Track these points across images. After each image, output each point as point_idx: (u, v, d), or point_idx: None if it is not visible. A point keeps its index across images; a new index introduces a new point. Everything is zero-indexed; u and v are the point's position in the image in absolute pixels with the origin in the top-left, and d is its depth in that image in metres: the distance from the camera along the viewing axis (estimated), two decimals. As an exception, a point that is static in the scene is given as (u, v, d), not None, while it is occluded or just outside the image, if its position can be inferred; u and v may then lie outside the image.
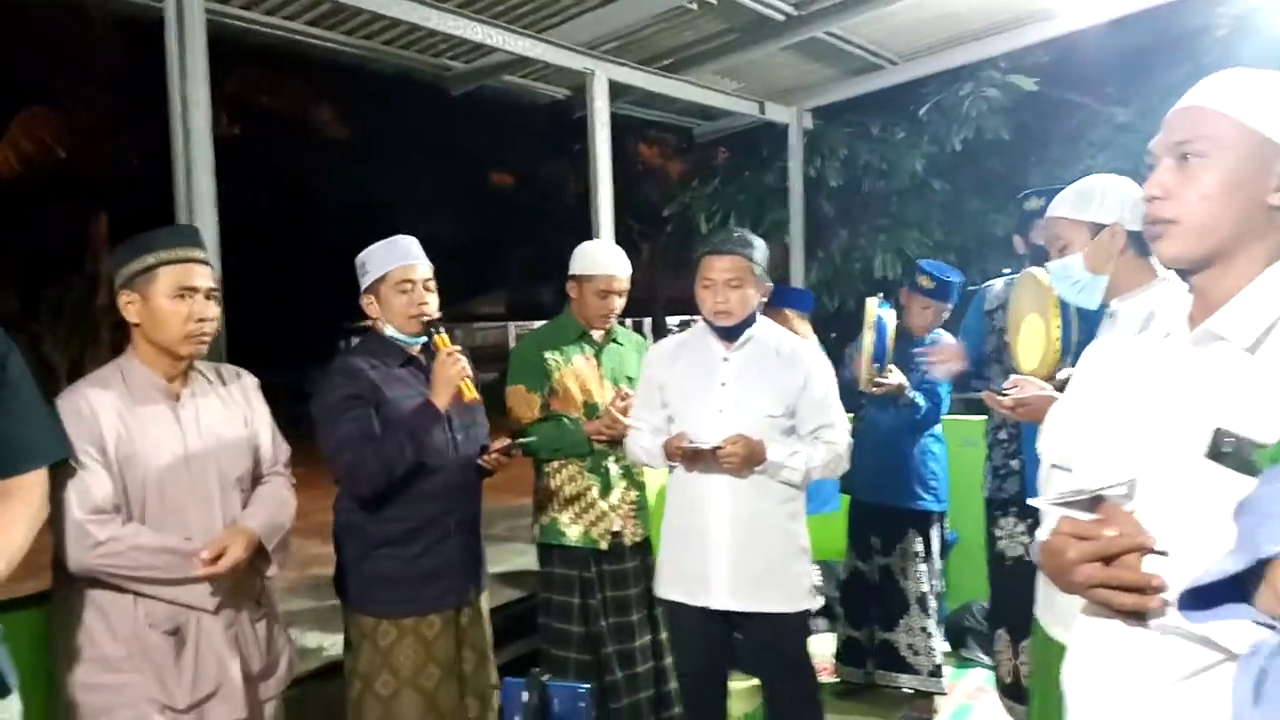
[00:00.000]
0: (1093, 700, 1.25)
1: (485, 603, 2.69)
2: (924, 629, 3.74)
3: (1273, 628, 0.80)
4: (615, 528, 3.13)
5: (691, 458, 2.58)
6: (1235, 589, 0.85)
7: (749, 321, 2.68)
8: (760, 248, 2.66)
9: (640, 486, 3.24)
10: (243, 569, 2.06)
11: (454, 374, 2.39)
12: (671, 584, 2.75)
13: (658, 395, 2.77)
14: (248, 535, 2.06)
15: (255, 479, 2.23)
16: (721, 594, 2.64)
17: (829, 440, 2.67)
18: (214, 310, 2.11)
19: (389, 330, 2.54)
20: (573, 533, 3.11)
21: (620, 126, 4.32)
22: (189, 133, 2.56)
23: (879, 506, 3.77)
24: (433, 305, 2.52)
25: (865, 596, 3.86)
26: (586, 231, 3.97)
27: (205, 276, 2.11)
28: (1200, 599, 0.87)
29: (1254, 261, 1.18)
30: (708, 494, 2.64)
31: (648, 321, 20.36)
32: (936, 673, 3.75)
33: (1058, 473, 2.13)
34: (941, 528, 3.86)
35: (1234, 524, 0.91)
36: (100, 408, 1.98)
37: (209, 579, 2.01)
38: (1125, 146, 7.20)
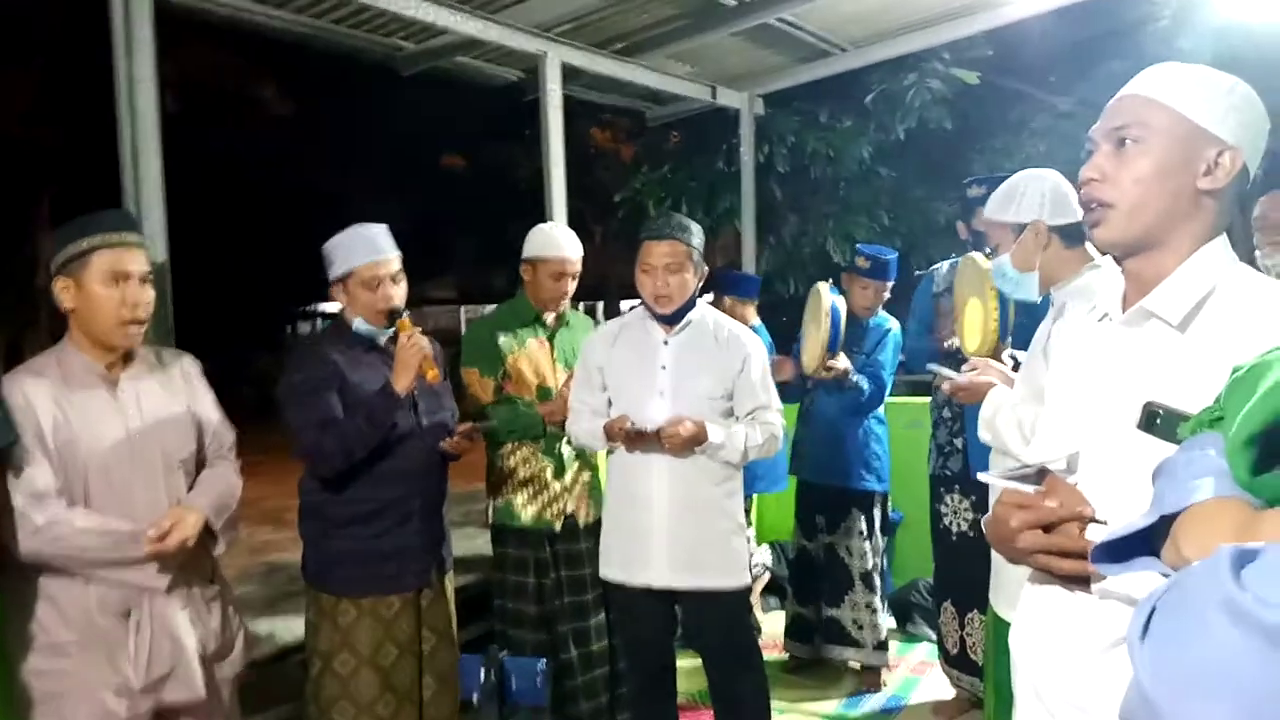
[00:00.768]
0: (1037, 662, 1.31)
1: (449, 584, 2.70)
2: (868, 605, 3.83)
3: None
4: (569, 509, 3.16)
5: (633, 439, 2.63)
6: (1147, 544, 0.92)
7: (689, 305, 2.73)
8: (698, 233, 2.71)
9: (593, 468, 3.28)
10: (192, 548, 2.05)
11: (413, 357, 2.41)
12: (613, 564, 2.79)
13: (598, 378, 2.81)
14: (196, 513, 2.06)
15: (200, 463, 2.22)
16: (661, 571, 2.69)
17: (765, 421, 2.74)
18: (149, 295, 2.08)
19: (356, 322, 2.54)
20: (527, 514, 3.13)
21: (573, 110, 4.32)
22: (135, 112, 2.52)
23: (823, 486, 3.85)
24: (400, 296, 2.52)
25: (811, 574, 3.95)
26: (538, 215, 3.97)
27: (140, 261, 2.07)
28: (1115, 554, 0.94)
29: (1183, 244, 1.25)
30: (647, 475, 2.68)
31: (600, 305, 20.40)
32: (881, 647, 3.86)
33: (999, 455, 2.22)
34: (884, 507, 3.95)
35: (1151, 486, 0.97)
36: (36, 395, 1.96)
37: (158, 559, 2.00)
38: (1066, 134, 7.36)
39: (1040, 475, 1.25)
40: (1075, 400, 1.33)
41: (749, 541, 3.64)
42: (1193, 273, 1.24)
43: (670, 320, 2.72)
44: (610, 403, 2.77)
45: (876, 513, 3.89)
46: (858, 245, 4.21)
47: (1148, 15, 7.03)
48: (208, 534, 2.11)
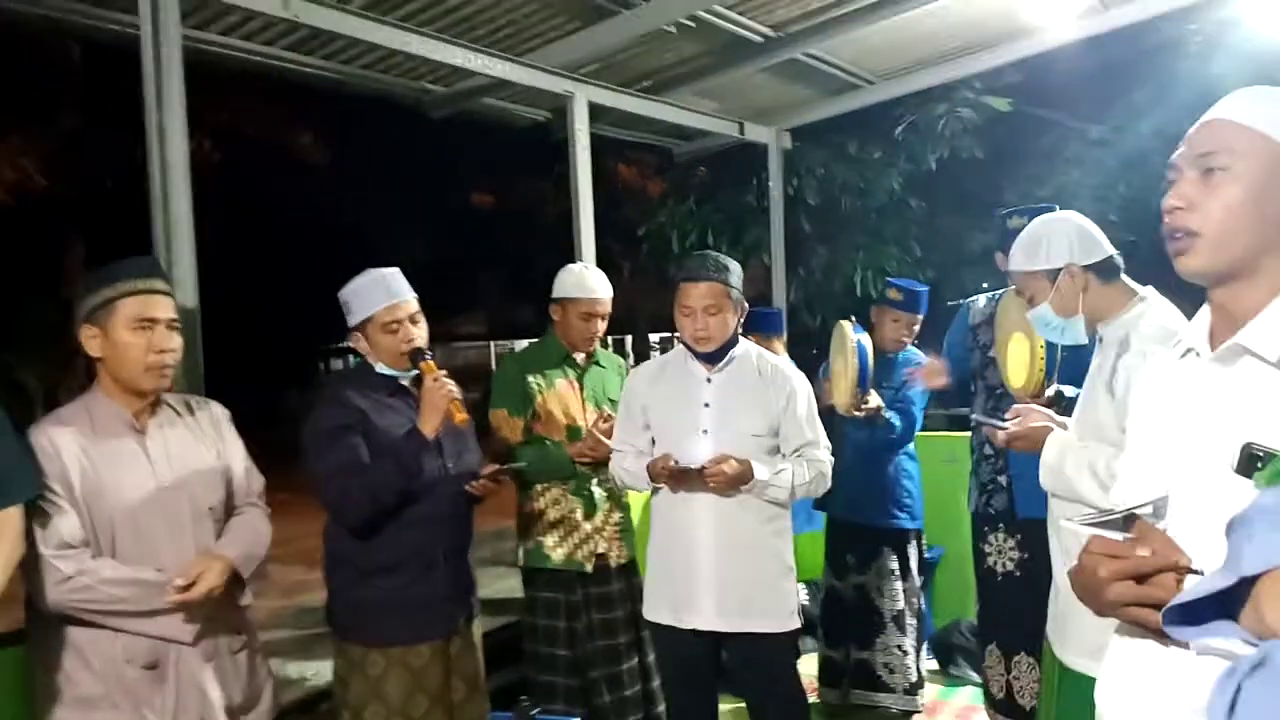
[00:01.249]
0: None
1: (477, 631, 2.65)
2: (899, 647, 3.72)
3: (1255, 645, 0.80)
4: (600, 550, 3.12)
5: (677, 478, 2.58)
6: (1224, 606, 0.85)
7: (731, 343, 2.69)
8: (735, 271, 2.67)
9: (625, 508, 3.23)
10: (218, 598, 2.02)
11: (441, 399, 2.37)
12: (659, 607, 2.74)
13: (640, 418, 2.77)
14: (222, 562, 2.03)
15: (229, 511, 2.19)
16: (709, 614, 2.63)
17: (812, 458, 2.68)
18: (176, 341, 2.07)
19: (380, 366, 2.51)
20: (557, 555, 3.09)
21: (600, 147, 4.33)
22: (165, 163, 2.55)
23: (854, 525, 3.76)
24: (421, 337, 2.49)
25: (841, 615, 3.84)
26: (566, 251, 3.97)
27: (166, 307, 2.07)
28: (1190, 615, 0.87)
29: (1276, 275, 1.19)
30: (692, 515, 2.63)
31: (630, 339, 20.42)
32: (912, 690, 3.73)
33: (1059, 503, 2.14)
34: (919, 545, 3.85)
35: (1225, 540, 0.91)
36: (63, 445, 1.95)
37: (184, 610, 1.97)
38: (1099, 162, 7.28)
39: (1127, 522, 1.18)
40: (1162, 442, 1.26)
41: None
42: None
43: (712, 358, 2.68)
44: (654, 441, 2.73)
45: (911, 551, 3.78)
46: (889, 278, 4.15)
47: (1179, 40, 6.95)
48: (235, 583, 2.08)
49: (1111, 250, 2.22)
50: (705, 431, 2.63)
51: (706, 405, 2.66)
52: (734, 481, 2.53)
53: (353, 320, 2.50)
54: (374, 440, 2.39)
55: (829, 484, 2.76)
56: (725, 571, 2.61)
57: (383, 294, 2.47)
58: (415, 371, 2.49)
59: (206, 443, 2.18)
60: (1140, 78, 7.19)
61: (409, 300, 2.50)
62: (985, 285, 3.75)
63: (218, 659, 2.09)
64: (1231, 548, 0.88)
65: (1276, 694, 0.61)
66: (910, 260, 7.60)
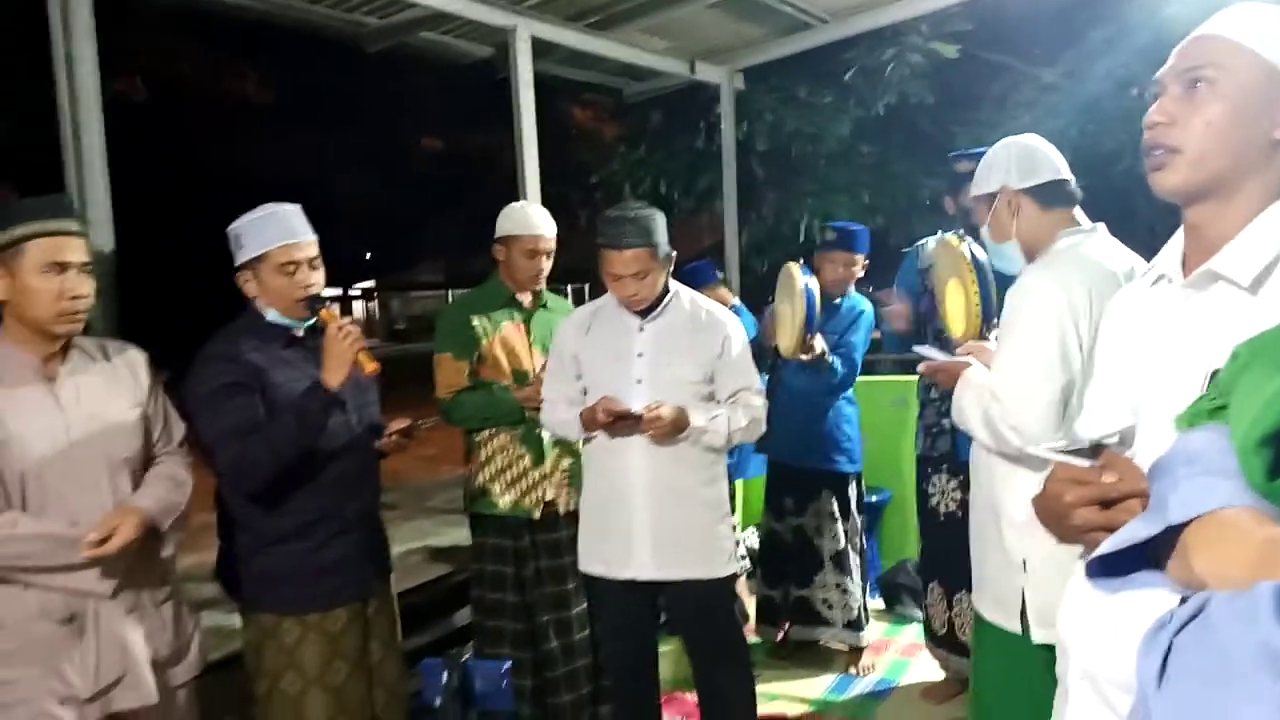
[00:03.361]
0: (1090, 647, 1.23)
1: (392, 590, 2.55)
2: (839, 585, 3.76)
3: (1186, 598, 0.77)
4: (548, 496, 3.07)
5: (615, 421, 2.53)
6: (1149, 557, 0.81)
7: (663, 294, 2.65)
8: (658, 226, 2.56)
9: (574, 454, 3.18)
10: (136, 550, 1.93)
11: (347, 349, 2.20)
12: (594, 558, 2.71)
13: (572, 367, 2.71)
14: (138, 514, 1.93)
15: (148, 460, 2.09)
16: (645, 565, 2.61)
17: (747, 403, 2.66)
18: (88, 286, 1.96)
19: (271, 314, 2.29)
20: (504, 502, 3.04)
21: (552, 88, 4.19)
22: (75, 94, 2.40)
23: (793, 468, 3.77)
24: (319, 284, 2.31)
25: (780, 556, 3.88)
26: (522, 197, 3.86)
27: (79, 250, 1.95)
28: (1113, 566, 0.83)
29: (1254, 198, 1.16)
30: (626, 464, 2.60)
31: (587, 288, 20.27)
32: (853, 625, 3.78)
33: (983, 450, 2.12)
34: (859, 488, 3.87)
35: (1150, 485, 0.87)
36: None
37: (100, 562, 1.89)
38: (1051, 106, 7.27)
39: (1094, 451, 1.15)
40: (1130, 370, 1.23)
41: (734, 529, 3.56)
42: (1265, 230, 1.14)
43: (645, 309, 2.64)
44: (586, 392, 2.68)
45: (851, 493, 3.81)
46: (826, 223, 4.13)
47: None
48: (154, 535, 1.99)
49: (1062, 175, 2.14)
50: (640, 381, 2.59)
51: (640, 355, 2.62)
52: (672, 428, 2.50)
53: (242, 257, 2.27)
54: (273, 399, 2.21)
55: (764, 428, 2.74)
56: (660, 520, 2.59)
57: (281, 231, 2.26)
58: (311, 321, 2.31)
59: (123, 389, 2.07)
60: (1093, 22, 7.17)
61: (309, 241, 2.30)
62: (939, 231, 3.72)
63: (140, 611, 2.01)
64: (1155, 496, 0.84)
65: (1213, 651, 0.57)
66: (859, 207, 7.58)
